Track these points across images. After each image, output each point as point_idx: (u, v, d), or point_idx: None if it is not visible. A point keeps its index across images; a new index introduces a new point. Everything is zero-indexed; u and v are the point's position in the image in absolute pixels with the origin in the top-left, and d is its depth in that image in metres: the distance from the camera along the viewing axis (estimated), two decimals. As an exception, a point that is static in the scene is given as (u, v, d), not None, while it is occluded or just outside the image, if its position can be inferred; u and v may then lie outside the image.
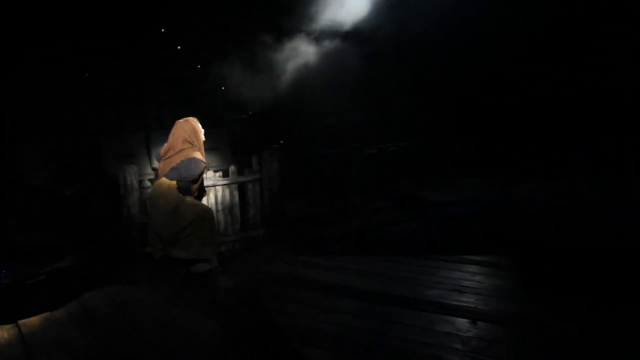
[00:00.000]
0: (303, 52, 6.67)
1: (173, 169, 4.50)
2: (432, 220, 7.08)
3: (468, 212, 7.21)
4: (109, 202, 5.90)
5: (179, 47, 10.60)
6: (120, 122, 9.35)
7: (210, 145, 8.40)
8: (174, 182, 4.52)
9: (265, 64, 6.79)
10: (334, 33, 6.72)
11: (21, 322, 3.60)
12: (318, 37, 6.81)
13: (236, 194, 6.46)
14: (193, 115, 4.90)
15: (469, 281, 3.99)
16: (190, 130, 4.62)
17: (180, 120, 4.72)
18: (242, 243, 6.25)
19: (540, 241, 5.27)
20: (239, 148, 8.70)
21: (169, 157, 4.57)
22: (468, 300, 3.61)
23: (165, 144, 4.72)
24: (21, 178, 7.00)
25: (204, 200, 5.64)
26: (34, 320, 3.63)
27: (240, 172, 6.78)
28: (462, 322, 3.21)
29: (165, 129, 5.69)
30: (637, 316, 3.35)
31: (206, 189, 6.01)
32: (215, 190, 6.28)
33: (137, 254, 5.15)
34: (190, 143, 4.59)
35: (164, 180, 4.54)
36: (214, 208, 6.29)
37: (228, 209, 6.43)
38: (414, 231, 6.82)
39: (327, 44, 6.74)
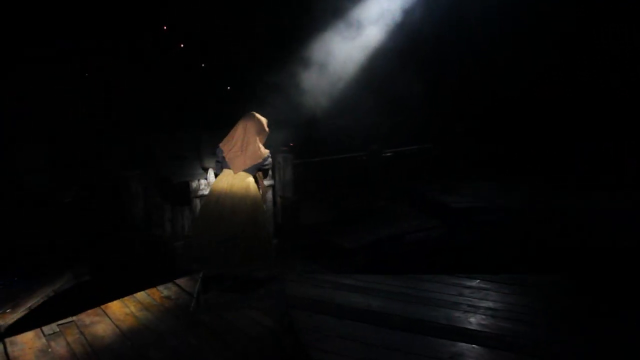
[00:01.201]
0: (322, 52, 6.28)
1: (246, 160, 4.78)
2: (456, 228, 6.63)
3: (493, 219, 6.77)
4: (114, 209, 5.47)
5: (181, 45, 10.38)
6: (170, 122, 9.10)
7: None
8: (244, 174, 4.81)
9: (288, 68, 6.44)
10: (350, 35, 6.37)
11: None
12: (334, 39, 6.50)
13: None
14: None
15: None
16: (259, 124, 4.86)
17: (248, 114, 4.87)
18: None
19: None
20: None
21: (239, 150, 4.78)
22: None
23: (230, 138, 4.87)
24: (18, 181, 6.58)
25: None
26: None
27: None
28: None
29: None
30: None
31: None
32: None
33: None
34: (258, 136, 4.84)
35: (232, 172, 4.82)
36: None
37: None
38: (440, 240, 6.38)
39: (343, 46, 6.36)
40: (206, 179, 5.59)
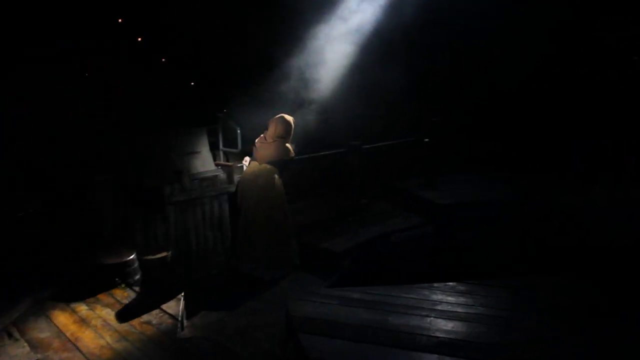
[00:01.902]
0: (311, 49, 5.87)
1: (271, 154, 5.07)
2: (446, 225, 6.38)
3: (482, 215, 6.57)
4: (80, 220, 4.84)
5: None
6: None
7: (189, 149, 7.42)
8: (270, 167, 5.06)
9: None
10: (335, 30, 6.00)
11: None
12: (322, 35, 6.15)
13: (226, 206, 5.52)
14: None
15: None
16: (288, 125, 5.15)
17: (280, 115, 5.16)
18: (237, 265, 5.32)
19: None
20: (221, 151, 7.74)
21: (266, 144, 5.11)
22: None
23: (264, 134, 5.19)
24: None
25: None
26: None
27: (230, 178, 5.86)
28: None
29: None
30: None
31: (191, 202, 5.11)
32: (203, 202, 5.31)
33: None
34: (283, 137, 5.12)
35: (258, 164, 5.09)
36: (200, 224, 5.35)
37: (216, 223, 5.49)
38: (429, 239, 6.11)
39: (330, 41, 5.98)
40: (180, 184, 5.07)
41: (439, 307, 3.38)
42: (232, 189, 5.42)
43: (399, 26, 6.47)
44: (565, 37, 8.82)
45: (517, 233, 5.70)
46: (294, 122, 5.25)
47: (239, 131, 7.74)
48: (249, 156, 5.45)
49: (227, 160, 7.82)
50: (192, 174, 5.42)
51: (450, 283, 3.92)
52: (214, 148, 7.77)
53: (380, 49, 6.38)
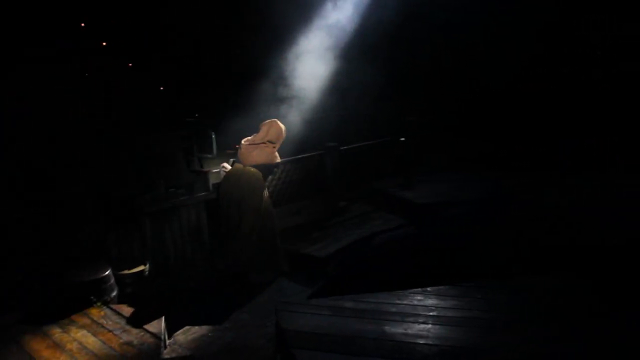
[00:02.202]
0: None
1: (258, 158, 4.96)
2: (426, 226, 6.34)
3: (461, 213, 6.56)
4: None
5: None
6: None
7: (161, 156, 7.08)
8: (254, 170, 4.95)
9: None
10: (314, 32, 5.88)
11: None
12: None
13: (204, 214, 5.31)
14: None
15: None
16: (279, 132, 5.05)
17: (272, 120, 5.06)
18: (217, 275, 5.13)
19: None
20: (196, 157, 7.47)
21: (254, 147, 4.97)
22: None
23: (252, 137, 5.07)
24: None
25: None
26: None
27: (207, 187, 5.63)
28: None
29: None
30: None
31: (167, 212, 4.90)
32: (179, 212, 5.09)
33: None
34: (272, 143, 5.03)
35: (242, 167, 4.98)
36: (178, 235, 5.12)
37: (195, 233, 5.27)
38: (412, 240, 6.04)
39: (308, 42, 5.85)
40: (156, 193, 4.85)
41: (434, 313, 3.29)
42: (211, 196, 5.22)
43: (379, 23, 6.37)
44: (551, 36, 8.90)
45: (505, 233, 5.69)
46: (285, 132, 5.16)
47: (213, 136, 7.50)
48: (227, 162, 5.30)
49: (202, 167, 7.56)
50: (166, 183, 5.15)
51: (443, 287, 3.84)
52: (188, 154, 7.50)
53: (361, 47, 6.28)
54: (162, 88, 10.44)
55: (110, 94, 8.82)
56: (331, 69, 5.74)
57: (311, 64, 5.68)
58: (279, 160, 5.22)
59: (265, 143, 4.98)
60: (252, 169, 4.97)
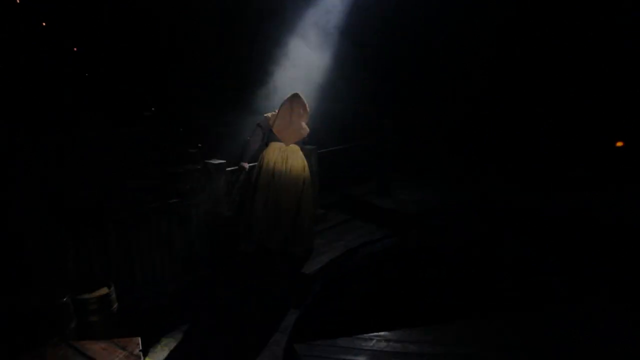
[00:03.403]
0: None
1: (295, 134, 4.97)
2: (411, 236, 5.98)
3: (445, 223, 6.30)
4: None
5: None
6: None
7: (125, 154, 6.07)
8: (296, 148, 5.04)
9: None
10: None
11: None
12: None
13: (175, 219, 4.54)
14: None
15: None
16: (303, 104, 4.99)
17: (294, 95, 4.95)
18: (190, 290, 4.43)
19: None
20: (161, 156, 6.52)
21: (288, 124, 4.93)
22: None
23: (276, 113, 5.00)
24: None
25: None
26: None
27: (175, 191, 4.84)
28: None
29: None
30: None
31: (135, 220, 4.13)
32: (149, 220, 4.29)
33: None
34: (302, 115, 5.00)
35: (283, 145, 4.98)
36: (147, 243, 4.33)
37: (165, 242, 4.49)
38: (398, 253, 5.71)
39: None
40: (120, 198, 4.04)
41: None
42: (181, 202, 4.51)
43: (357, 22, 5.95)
44: (510, 38, 8.73)
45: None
46: (308, 103, 5.07)
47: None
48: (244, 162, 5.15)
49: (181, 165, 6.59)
50: (132, 184, 4.35)
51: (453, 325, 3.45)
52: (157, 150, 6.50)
53: (346, 49, 5.79)
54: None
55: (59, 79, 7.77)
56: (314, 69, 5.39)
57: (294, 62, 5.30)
58: (307, 131, 5.12)
59: (293, 120, 4.91)
60: (296, 149, 5.02)
